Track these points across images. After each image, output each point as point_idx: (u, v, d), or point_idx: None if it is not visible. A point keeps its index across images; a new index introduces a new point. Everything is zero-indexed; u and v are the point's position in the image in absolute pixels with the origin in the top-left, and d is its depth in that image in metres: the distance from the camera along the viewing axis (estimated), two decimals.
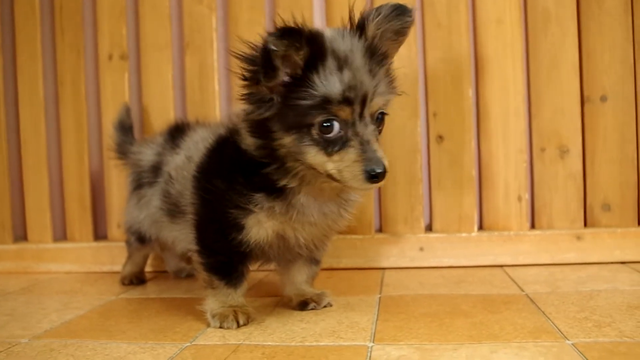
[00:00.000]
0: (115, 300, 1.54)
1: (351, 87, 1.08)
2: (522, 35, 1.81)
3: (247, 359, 1.02)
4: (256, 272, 1.69)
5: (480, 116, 1.83)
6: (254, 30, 1.73)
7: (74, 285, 1.77)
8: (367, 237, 1.84)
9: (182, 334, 1.20)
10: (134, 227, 1.68)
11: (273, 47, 1.03)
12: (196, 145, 1.42)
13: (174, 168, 1.45)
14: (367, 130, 1.10)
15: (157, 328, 1.25)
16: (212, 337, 1.17)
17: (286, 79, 1.09)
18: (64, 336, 1.21)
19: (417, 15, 1.83)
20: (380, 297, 1.45)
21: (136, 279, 1.75)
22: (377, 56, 1.13)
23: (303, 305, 1.36)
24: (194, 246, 1.29)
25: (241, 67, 1.12)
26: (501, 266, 1.77)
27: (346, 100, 1.08)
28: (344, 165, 1.09)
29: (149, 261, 1.87)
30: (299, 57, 1.07)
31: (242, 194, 1.19)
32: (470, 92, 1.81)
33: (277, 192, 1.18)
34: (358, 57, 1.10)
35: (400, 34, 1.16)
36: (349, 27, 1.15)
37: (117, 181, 1.96)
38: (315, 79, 1.08)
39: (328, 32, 1.14)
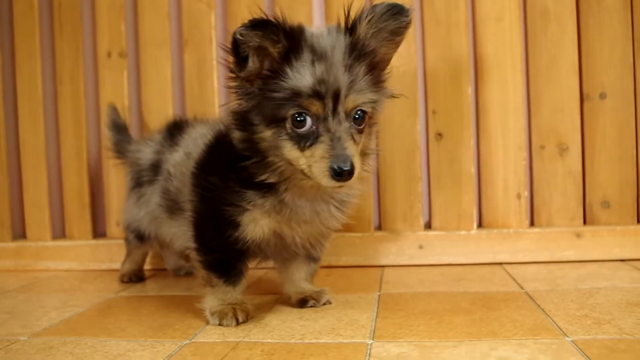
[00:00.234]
0: (114, 298, 1.54)
1: (322, 80, 1.07)
2: (522, 33, 1.81)
3: (246, 356, 1.02)
4: (255, 270, 1.69)
5: (479, 114, 1.83)
6: None
7: (73, 283, 1.77)
8: (367, 234, 1.84)
9: (181, 331, 1.19)
10: (133, 225, 1.67)
11: (240, 37, 1.04)
12: (195, 141, 1.42)
13: (172, 165, 1.45)
14: (341, 127, 1.08)
15: (156, 325, 1.25)
16: (212, 334, 1.16)
17: (265, 72, 1.10)
18: (63, 334, 1.21)
19: (416, 13, 1.84)
20: (379, 295, 1.45)
21: (135, 277, 1.75)
22: (360, 54, 1.12)
23: (302, 302, 1.35)
24: (192, 244, 1.29)
25: (226, 59, 1.13)
26: (500, 264, 1.77)
27: (316, 94, 1.07)
28: (313, 160, 1.08)
29: (148, 259, 1.87)
30: (276, 50, 1.08)
31: (234, 191, 1.19)
32: (470, 90, 1.81)
33: (266, 189, 1.18)
34: (337, 53, 1.09)
35: (396, 34, 1.15)
36: (341, 25, 1.14)
37: (116, 179, 1.96)
38: (289, 71, 1.08)
39: (314, 30, 1.14)
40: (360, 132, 1.13)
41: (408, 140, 1.83)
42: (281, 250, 1.31)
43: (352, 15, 1.13)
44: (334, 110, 1.09)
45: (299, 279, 1.40)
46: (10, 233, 2.06)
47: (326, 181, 1.07)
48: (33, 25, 2.02)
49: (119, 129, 1.82)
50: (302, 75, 1.07)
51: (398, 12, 1.11)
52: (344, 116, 1.09)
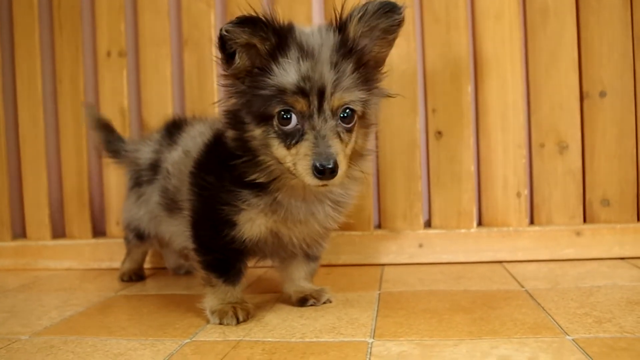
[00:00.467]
0: (114, 297, 1.54)
1: (307, 78, 1.06)
2: (521, 31, 1.81)
3: (247, 355, 1.02)
4: (255, 269, 1.69)
5: (479, 112, 1.83)
6: None
7: (73, 282, 1.77)
8: (366, 233, 1.84)
9: (182, 330, 1.20)
10: (132, 224, 1.67)
11: (225, 33, 1.05)
12: (194, 140, 1.41)
13: (171, 163, 1.45)
14: (326, 124, 1.07)
15: (157, 324, 1.25)
16: (212, 333, 1.16)
17: (254, 69, 1.10)
18: (64, 333, 1.21)
19: (415, 11, 1.84)
20: (379, 294, 1.45)
21: (135, 276, 1.75)
22: (349, 52, 1.11)
23: (302, 301, 1.35)
24: (190, 244, 1.29)
25: (219, 56, 1.14)
26: (500, 262, 1.77)
27: (301, 91, 1.07)
28: (297, 158, 1.07)
29: (148, 258, 1.87)
30: (264, 47, 1.08)
31: (230, 190, 1.19)
32: (469, 88, 1.81)
33: (260, 188, 1.18)
34: (324, 51, 1.09)
35: (389, 32, 1.14)
36: (332, 24, 1.13)
37: (116, 178, 1.96)
38: (275, 68, 1.08)
39: (305, 28, 1.13)
40: (349, 131, 1.12)
41: (408, 138, 1.83)
42: (279, 250, 1.31)
43: (345, 13, 1.12)
44: (320, 108, 1.08)
45: (299, 278, 1.40)
46: (10, 232, 2.06)
47: (309, 179, 1.06)
48: (33, 25, 2.02)
49: (105, 127, 1.77)
50: (287, 72, 1.07)
51: (390, 10, 1.10)
52: (330, 114, 1.08)
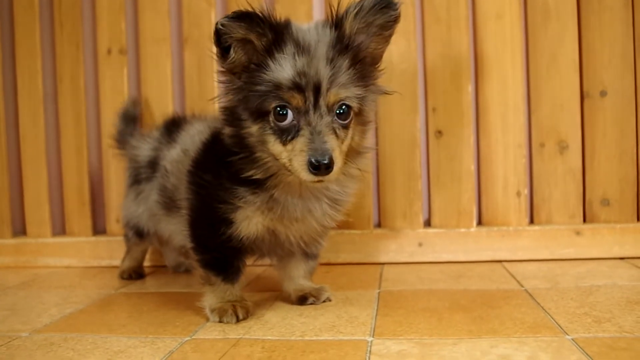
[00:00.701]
0: (114, 295, 1.54)
1: (302, 73, 1.06)
2: (522, 31, 1.81)
3: (247, 353, 1.02)
4: (254, 267, 1.70)
5: (479, 111, 1.83)
6: None
7: (73, 279, 1.77)
8: (366, 232, 1.84)
9: (181, 328, 1.20)
10: (132, 222, 1.68)
11: (220, 27, 1.05)
12: (192, 138, 1.42)
13: (169, 161, 1.45)
14: (322, 121, 1.07)
15: (157, 322, 1.25)
16: (212, 331, 1.17)
17: (250, 65, 1.10)
18: (64, 330, 1.21)
19: (416, 10, 1.84)
20: (379, 292, 1.45)
21: (135, 274, 1.75)
22: (345, 48, 1.10)
23: (302, 299, 1.36)
24: (188, 243, 1.29)
25: (211, 51, 1.15)
26: (500, 261, 1.77)
27: (297, 87, 1.07)
28: (293, 154, 1.07)
29: (148, 256, 1.87)
30: (261, 43, 1.08)
31: (226, 187, 1.19)
32: (470, 88, 1.81)
33: (256, 186, 1.18)
34: (321, 47, 1.09)
35: (385, 29, 1.14)
36: (328, 20, 1.14)
37: (116, 176, 1.96)
38: (271, 64, 1.08)
39: (302, 25, 1.14)
40: (345, 127, 1.12)
41: (408, 137, 1.83)
42: (276, 248, 1.31)
43: (342, 10, 1.12)
44: (315, 104, 1.07)
45: (298, 276, 1.40)
46: (10, 229, 2.06)
47: (305, 175, 1.06)
48: (33, 23, 2.02)
49: (127, 120, 1.83)
50: (282, 68, 1.07)
51: (386, 6, 1.10)
52: (326, 110, 1.08)
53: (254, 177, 1.17)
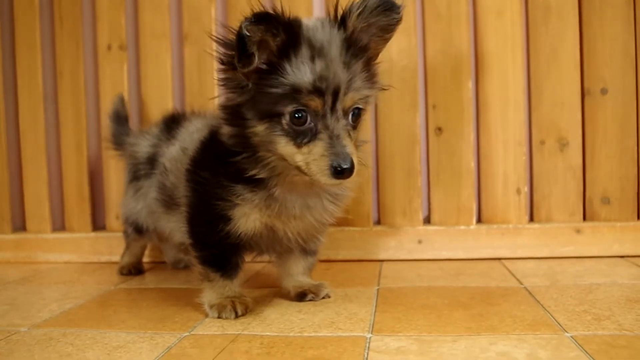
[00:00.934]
0: (113, 290, 1.54)
1: (322, 77, 1.06)
2: (523, 27, 1.80)
3: (245, 348, 1.02)
4: (253, 264, 1.69)
5: (479, 108, 1.83)
6: None
7: (73, 275, 1.77)
8: (366, 229, 1.84)
9: (180, 323, 1.20)
10: (131, 218, 1.68)
11: (247, 33, 1.02)
12: (191, 136, 1.41)
13: (168, 159, 1.45)
14: (339, 124, 1.08)
15: (156, 318, 1.25)
16: (211, 327, 1.17)
17: (261, 65, 1.08)
18: (63, 325, 1.21)
19: (416, 6, 1.83)
20: (378, 289, 1.45)
21: (134, 269, 1.75)
22: (356, 49, 1.11)
23: (301, 296, 1.35)
24: (187, 239, 1.29)
25: (220, 51, 1.12)
26: (500, 259, 1.77)
27: (317, 91, 1.06)
28: (311, 158, 1.07)
29: (147, 252, 1.87)
30: (274, 44, 1.06)
31: (224, 185, 1.19)
32: (470, 84, 1.81)
33: (255, 183, 1.18)
34: (334, 49, 1.08)
35: (385, 31, 1.14)
36: (332, 17, 1.13)
37: (116, 172, 1.96)
38: (287, 67, 1.07)
39: (309, 22, 1.12)
40: (355, 128, 1.13)
41: (408, 134, 1.83)
42: (274, 244, 1.30)
43: (343, 7, 1.11)
44: (333, 108, 1.08)
45: (297, 273, 1.40)
46: (10, 225, 2.06)
47: (326, 179, 1.07)
48: (33, 19, 2.02)
49: (120, 120, 1.82)
50: (301, 72, 1.06)
51: (389, 9, 1.10)
52: (342, 113, 1.09)
53: (258, 177, 1.16)
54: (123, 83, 1.97)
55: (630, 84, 1.75)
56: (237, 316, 1.22)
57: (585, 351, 0.95)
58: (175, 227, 1.42)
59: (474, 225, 1.81)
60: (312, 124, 1.08)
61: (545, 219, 1.82)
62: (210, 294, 1.26)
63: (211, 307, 1.24)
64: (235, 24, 1.06)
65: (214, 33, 1.88)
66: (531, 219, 1.84)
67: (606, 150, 1.78)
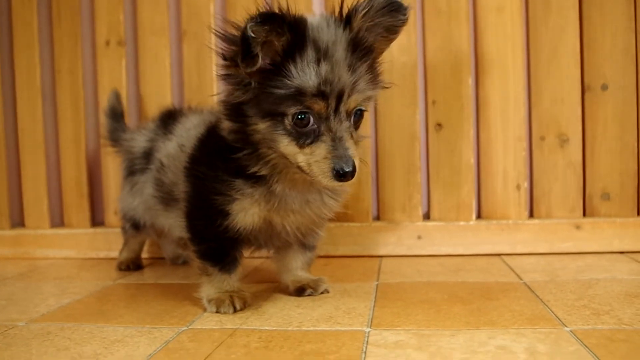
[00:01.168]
0: (112, 286, 1.54)
1: (327, 81, 1.05)
2: (523, 24, 1.80)
3: (243, 342, 1.02)
4: (252, 260, 1.69)
5: (479, 104, 1.82)
6: None
7: (71, 270, 1.76)
8: (365, 224, 1.84)
9: (179, 318, 1.19)
10: (128, 214, 1.67)
11: (252, 34, 1.00)
12: (188, 132, 1.41)
13: (165, 155, 1.44)
14: (342, 126, 1.08)
15: (154, 312, 1.25)
16: (209, 321, 1.16)
17: (266, 65, 1.07)
18: (61, 320, 1.21)
19: (417, 3, 1.83)
20: (377, 284, 1.45)
21: (133, 265, 1.75)
22: (361, 50, 1.10)
23: (300, 291, 1.35)
24: (185, 234, 1.29)
25: (222, 47, 1.11)
26: (499, 255, 1.77)
27: (321, 94, 1.05)
28: (313, 159, 1.07)
29: (146, 247, 1.87)
30: (279, 44, 1.05)
31: (223, 180, 1.18)
32: (470, 81, 1.80)
33: (255, 179, 1.17)
34: (339, 50, 1.07)
35: (391, 32, 1.13)
36: (337, 16, 1.12)
37: (114, 168, 1.95)
38: (292, 68, 1.06)
39: (313, 20, 1.11)
40: (357, 128, 1.13)
41: (407, 130, 1.82)
42: (273, 238, 1.30)
43: (348, 6, 1.10)
44: (336, 110, 1.08)
45: (296, 268, 1.39)
46: (8, 221, 2.06)
47: (327, 181, 1.07)
48: (31, 15, 2.01)
49: (116, 116, 1.82)
50: (306, 75, 1.05)
51: (395, 10, 1.09)
52: (345, 116, 1.09)
53: (259, 174, 1.16)
54: (121, 79, 1.97)
55: (631, 80, 1.75)
56: (235, 311, 1.22)
57: (585, 345, 0.95)
58: (174, 223, 1.42)
59: (473, 221, 1.81)
60: (315, 125, 1.08)
61: (545, 215, 1.81)
62: (208, 289, 1.26)
63: (209, 301, 1.24)
64: (234, 19, 1.06)
65: (214, 28, 1.89)
66: (531, 215, 1.84)
67: (606, 146, 1.77)
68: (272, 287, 1.45)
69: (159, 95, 1.95)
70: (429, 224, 1.82)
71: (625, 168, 1.77)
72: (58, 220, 2.09)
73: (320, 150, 1.07)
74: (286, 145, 1.10)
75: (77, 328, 1.14)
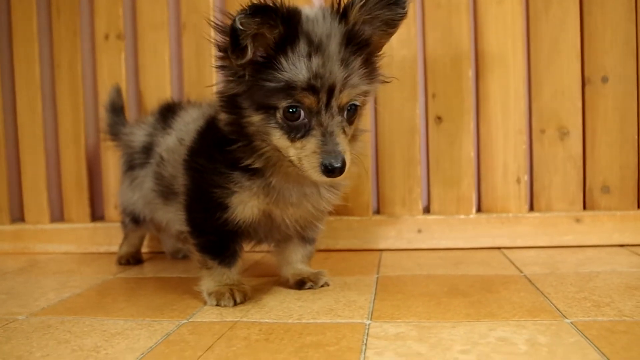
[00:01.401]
0: (112, 280, 1.54)
1: (318, 75, 1.05)
2: (523, 16, 1.79)
3: (244, 335, 1.02)
4: (253, 254, 1.69)
5: (479, 97, 1.82)
6: None
7: (71, 265, 1.76)
8: (365, 218, 1.84)
9: (179, 311, 1.19)
10: (128, 209, 1.67)
11: (240, 27, 1.00)
12: (187, 126, 1.41)
13: (165, 149, 1.44)
14: (333, 121, 1.07)
15: (154, 306, 1.25)
16: (210, 314, 1.16)
17: (258, 58, 1.07)
18: (61, 313, 1.21)
19: None
20: (377, 278, 1.44)
21: (133, 259, 1.75)
22: (356, 44, 1.09)
23: (300, 284, 1.35)
24: (185, 227, 1.29)
25: (217, 38, 1.10)
26: (499, 248, 1.76)
27: (311, 88, 1.05)
28: (303, 154, 1.07)
29: (146, 242, 1.87)
30: (272, 36, 1.04)
31: (221, 172, 1.18)
32: (470, 73, 1.80)
33: (252, 171, 1.17)
34: (333, 44, 1.06)
35: (390, 26, 1.12)
36: (333, 8, 1.10)
37: (114, 162, 1.95)
38: (284, 62, 1.05)
39: (309, 13, 1.10)
40: (351, 123, 1.13)
41: (407, 123, 1.82)
42: (272, 231, 1.30)
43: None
44: (327, 104, 1.07)
45: (296, 261, 1.39)
46: (8, 216, 2.06)
47: (316, 176, 1.06)
48: (30, 9, 2.00)
49: (116, 110, 1.82)
50: (297, 69, 1.05)
51: (394, 3, 1.08)
52: (337, 110, 1.08)
53: (253, 166, 1.16)
54: (121, 73, 1.96)
55: (631, 72, 1.75)
56: (235, 304, 1.21)
57: (585, 336, 0.95)
58: (174, 217, 1.41)
59: (473, 215, 1.81)
60: (306, 119, 1.07)
61: (545, 208, 1.81)
62: (208, 282, 1.26)
63: (209, 294, 1.23)
64: (234, 12, 1.05)
65: (212, 19, 1.89)
66: (531, 208, 1.84)
67: (606, 139, 1.77)
68: (272, 280, 1.45)
69: (159, 89, 1.94)
70: (429, 217, 1.82)
71: (626, 161, 1.77)
72: (58, 215, 2.09)
73: (310, 144, 1.06)
74: (278, 139, 1.09)
75: (78, 321, 1.14)
